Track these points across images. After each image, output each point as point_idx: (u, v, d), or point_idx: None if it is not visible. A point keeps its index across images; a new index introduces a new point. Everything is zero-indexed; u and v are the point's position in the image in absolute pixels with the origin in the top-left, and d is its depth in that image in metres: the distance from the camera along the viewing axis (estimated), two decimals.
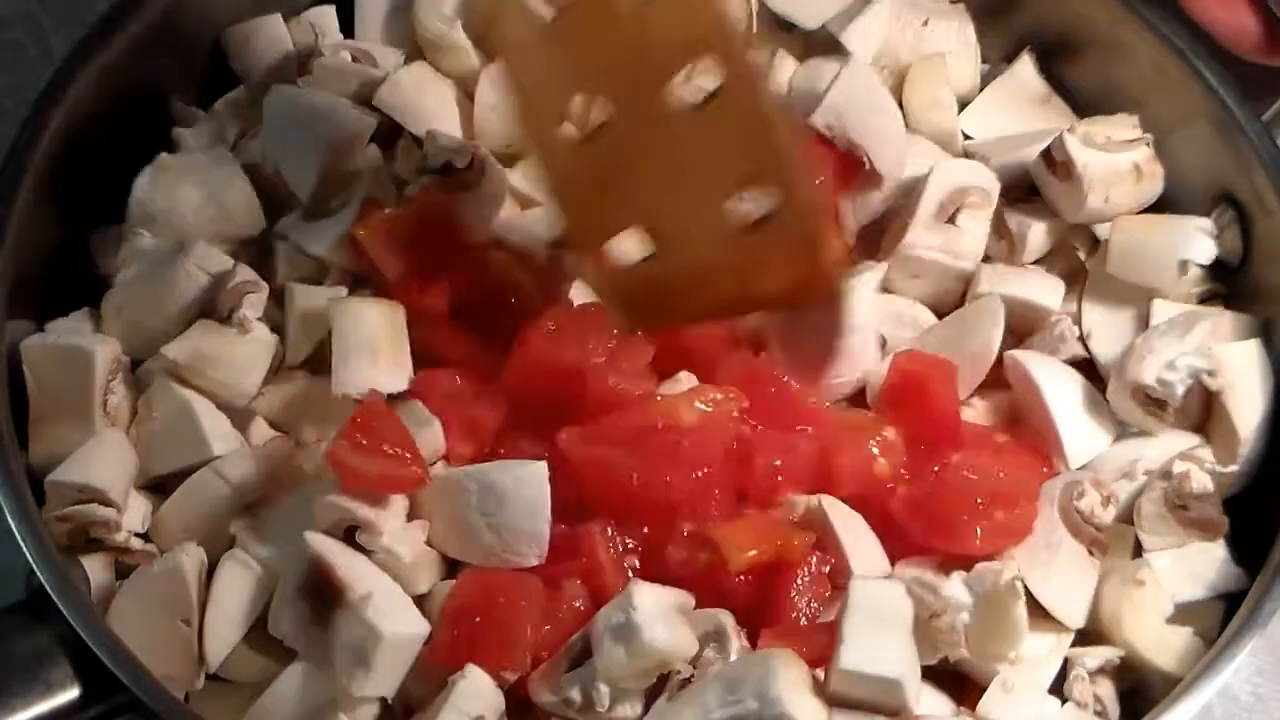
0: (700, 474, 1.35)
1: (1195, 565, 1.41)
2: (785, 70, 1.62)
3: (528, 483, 1.32)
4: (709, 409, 1.38)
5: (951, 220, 1.53)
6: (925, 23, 1.65)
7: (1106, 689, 1.39)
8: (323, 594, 1.27)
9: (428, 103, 1.58)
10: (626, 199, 1.34)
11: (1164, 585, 1.39)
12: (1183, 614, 1.39)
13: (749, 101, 1.26)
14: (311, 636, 1.28)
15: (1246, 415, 1.44)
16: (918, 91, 1.61)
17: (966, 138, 1.63)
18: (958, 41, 1.66)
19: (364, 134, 1.54)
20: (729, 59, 1.25)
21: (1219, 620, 1.39)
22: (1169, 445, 1.45)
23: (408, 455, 1.32)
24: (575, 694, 1.27)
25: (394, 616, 1.27)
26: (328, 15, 1.66)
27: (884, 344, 1.51)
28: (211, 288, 1.44)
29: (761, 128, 1.26)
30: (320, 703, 1.29)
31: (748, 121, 1.26)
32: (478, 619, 1.29)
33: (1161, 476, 1.43)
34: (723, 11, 1.26)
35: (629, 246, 1.35)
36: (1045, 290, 1.53)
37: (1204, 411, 1.47)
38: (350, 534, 1.33)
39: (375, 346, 1.39)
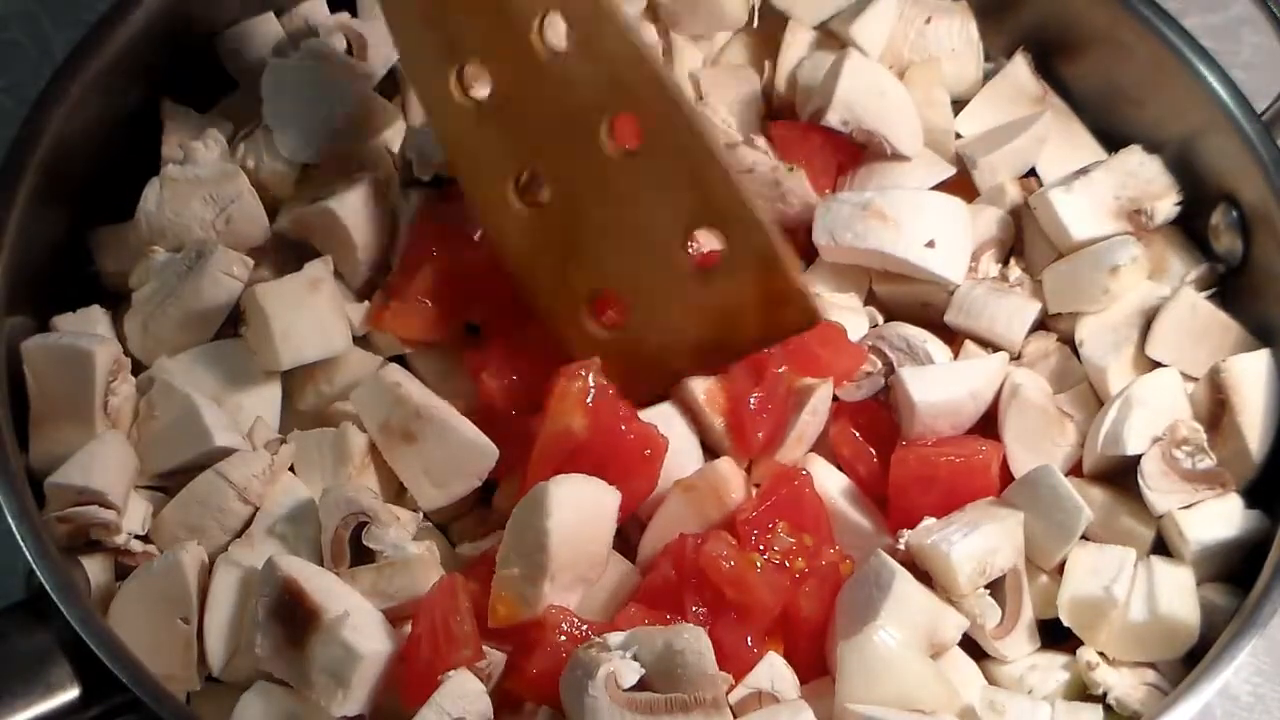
0: None
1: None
2: (788, 62, 1.63)
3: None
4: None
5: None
6: (928, 20, 1.65)
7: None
8: (296, 616, 1.26)
9: None
10: (584, 264, 1.40)
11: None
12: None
13: (682, 138, 1.31)
14: (290, 659, 1.27)
15: (1258, 432, 1.44)
16: (913, 92, 1.61)
17: (958, 136, 1.63)
18: (960, 39, 1.66)
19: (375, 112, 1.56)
20: (654, 98, 1.30)
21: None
22: None
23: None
24: None
25: (370, 634, 1.26)
26: (319, 9, 1.65)
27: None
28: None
29: (698, 162, 1.31)
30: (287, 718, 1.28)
31: (683, 159, 1.32)
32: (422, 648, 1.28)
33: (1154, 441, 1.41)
34: (639, 49, 1.30)
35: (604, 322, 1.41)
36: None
37: (1215, 417, 1.45)
38: (356, 533, 1.33)
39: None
